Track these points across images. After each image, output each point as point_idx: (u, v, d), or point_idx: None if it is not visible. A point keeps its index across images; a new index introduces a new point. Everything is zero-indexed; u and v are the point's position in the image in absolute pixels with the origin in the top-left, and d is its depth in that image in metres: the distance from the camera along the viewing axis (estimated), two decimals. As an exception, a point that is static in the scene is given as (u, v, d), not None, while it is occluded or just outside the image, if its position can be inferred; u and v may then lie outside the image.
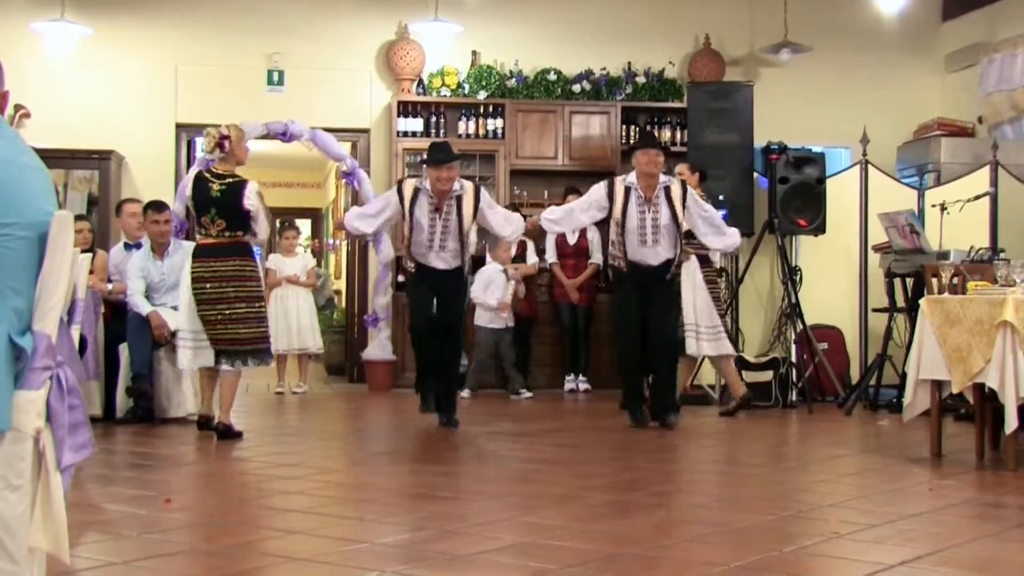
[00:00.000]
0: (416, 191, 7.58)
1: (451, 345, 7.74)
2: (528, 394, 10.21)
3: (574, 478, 5.90)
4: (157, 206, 8.44)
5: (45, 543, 3.04)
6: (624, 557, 3.99)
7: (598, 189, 7.91)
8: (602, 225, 8.39)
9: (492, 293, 10.23)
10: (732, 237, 8.09)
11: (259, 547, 4.18)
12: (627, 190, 7.72)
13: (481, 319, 10.32)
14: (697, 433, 7.85)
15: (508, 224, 7.93)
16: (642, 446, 7.21)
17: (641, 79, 11.64)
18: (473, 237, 7.79)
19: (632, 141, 11.51)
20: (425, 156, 7.74)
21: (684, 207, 7.75)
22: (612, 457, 6.75)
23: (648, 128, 11.36)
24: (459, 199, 7.59)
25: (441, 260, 7.63)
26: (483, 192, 7.81)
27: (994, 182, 9.74)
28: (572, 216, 8.10)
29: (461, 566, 3.83)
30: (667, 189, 7.74)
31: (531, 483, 5.72)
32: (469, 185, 7.74)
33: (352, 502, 5.16)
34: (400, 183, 7.85)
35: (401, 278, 11.02)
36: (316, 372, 12.14)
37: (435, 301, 7.67)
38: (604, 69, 11.64)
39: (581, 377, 10.73)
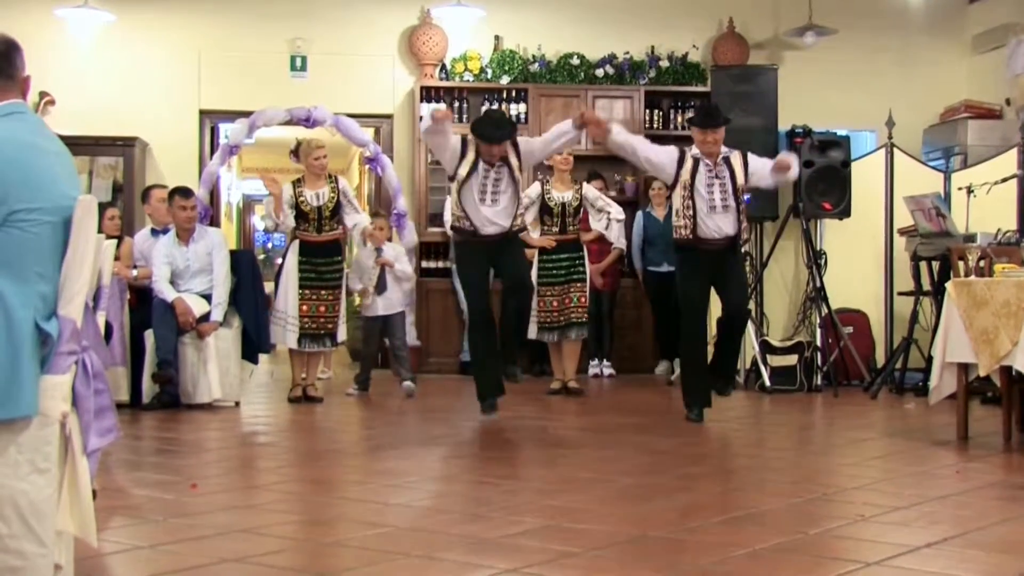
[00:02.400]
0: (478, 145, 7.36)
1: (521, 300, 7.56)
2: (412, 386, 9.01)
3: (598, 462, 5.90)
4: (183, 192, 8.48)
5: (72, 526, 3.06)
6: (649, 540, 3.98)
7: (671, 150, 7.56)
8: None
9: (369, 279, 9.11)
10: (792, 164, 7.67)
11: (283, 531, 4.20)
12: (695, 160, 7.43)
13: (366, 309, 9.25)
14: (722, 417, 7.82)
15: (552, 133, 7.57)
16: (666, 430, 7.21)
17: (665, 63, 11.59)
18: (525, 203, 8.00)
19: (656, 126, 11.50)
20: (475, 124, 7.48)
21: (746, 172, 7.47)
22: (636, 441, 6.74)
23: (670, 106, 11.31)
24: (505, 158, 7.40)
25: (494, 216, 7.36)
26: (519, 142, 7.54)
27: (1022, 164, 9.65)
28: (636, 152, 7.55)
29: (486, 549, 3.84)
30: (727, 160, 7.45)
31: (555, 467, 5.72)
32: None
33: (376, 486, 5.17)
34: (464, 137, 7.51)
35: (425, 264, 11.05)
36: (340, 358, 12.16)
37: (491, 272, 7.47)
38: (627, 53, 11.60)
39: (605, 362, 10.72)
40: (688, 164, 7.43)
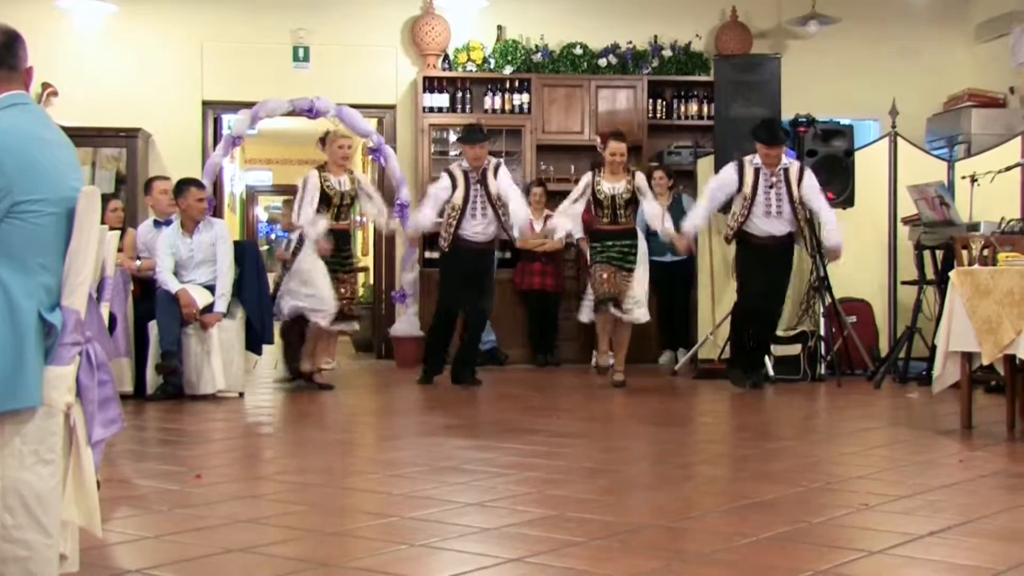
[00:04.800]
0: (465, 172, 8.76)
1: (479, 317, 8.99)
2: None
3: (601, 451, 5.90)
4: (199, 183, 8.57)
5: (77, 517, 3.07)
6: (652, 529, 3.99)
7: (729, 171, 8.66)
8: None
9: None
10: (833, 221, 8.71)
11: (288, 521, 4.20)
12: (756, 170, 8.51)
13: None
14: (724, 406, 7.84)
15: (517, 214, 8.69)
16: (669, 419, 7.21)
17: (668, 53, 11.59)
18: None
19: (659, 115, 11.50)
20: (460, 136, 9.15)
21: (800, 185, 8.52)
22: (639, 430, 6.74)
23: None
24: (484, 172, 8.73)
25: (478, 227, 8.72)
26: (502, 168, 8.87)
27: (1025, 153, 9.64)
28: (714, 199, 8.75)
29: (489, 539, 3.84)
30: (785, 171, 8.53)
31: (558, 457, 5.72)
32: (494, 160, 8.95)
33: (380, 477, 5.18)
34: (448, 170, 8.92)
35: (428, 254, 11.05)
36: (344, 348, 12.16)
37: (468, 281, 8.73)
38: (630, 43, 11.59)
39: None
40: (749, 176, 8.52)
